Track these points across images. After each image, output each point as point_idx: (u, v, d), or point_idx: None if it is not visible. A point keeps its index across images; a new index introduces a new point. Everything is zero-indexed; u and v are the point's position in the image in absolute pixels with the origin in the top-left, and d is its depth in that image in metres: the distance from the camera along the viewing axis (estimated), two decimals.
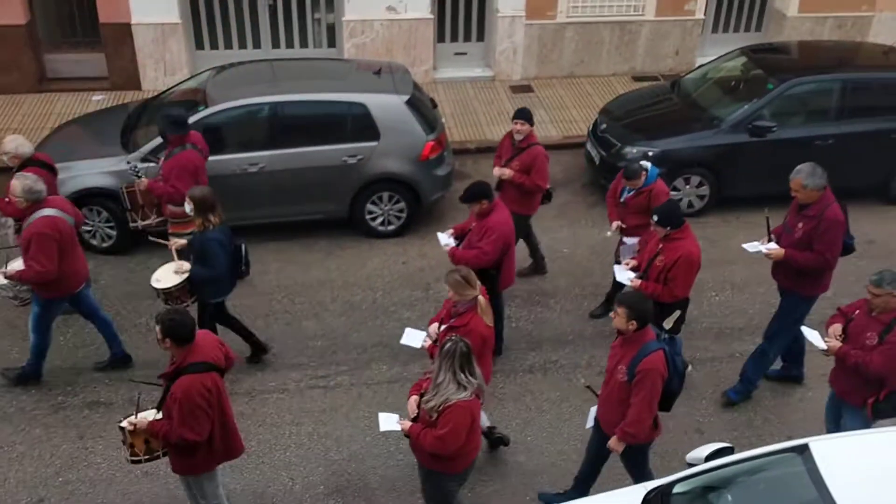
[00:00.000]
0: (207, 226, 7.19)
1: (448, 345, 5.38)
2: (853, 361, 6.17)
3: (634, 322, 5.65)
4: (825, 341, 6.40)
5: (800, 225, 7.14)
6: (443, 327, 6.31)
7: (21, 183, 7.19)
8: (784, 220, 7.47)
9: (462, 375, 5.35)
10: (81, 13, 13.04)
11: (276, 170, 9.43)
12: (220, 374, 5.77)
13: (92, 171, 9.28)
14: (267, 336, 8.37)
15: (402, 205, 9.89)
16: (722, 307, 9.14)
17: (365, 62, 11.33)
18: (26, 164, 7.99)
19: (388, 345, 8.41)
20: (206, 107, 9.48)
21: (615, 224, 8.24)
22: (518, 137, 8.44)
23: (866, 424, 6.30)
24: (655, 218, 7.02)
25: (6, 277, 7.30)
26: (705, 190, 10.54)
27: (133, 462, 5.96)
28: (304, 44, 13.63)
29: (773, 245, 7.35)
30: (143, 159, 9.20)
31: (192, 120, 9.26)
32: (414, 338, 6.61)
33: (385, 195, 9.89)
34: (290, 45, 13.58)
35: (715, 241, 10.04)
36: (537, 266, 9.50)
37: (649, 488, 5.60)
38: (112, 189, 9.15)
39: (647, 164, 8.14)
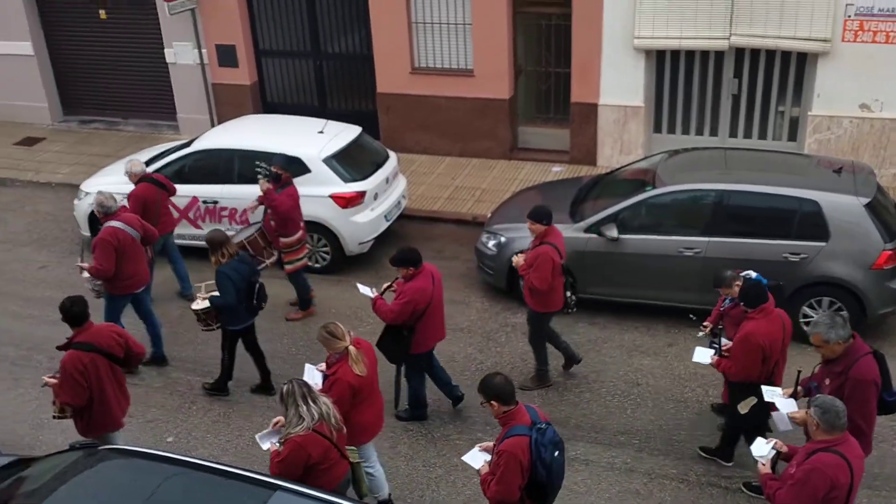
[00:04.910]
0: (221, 260, 8.40)
1: (283, 389, 6.04)
2: (766, 492, 5.64)
3: (484, 400, 5.71)
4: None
5: (827, 381, 6.25)
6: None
7: (96, 198, 9.11)
8: (812, 372, 6.53)
9: (304, 408, 5.93)
10: (557, 92, 14.36)
11: (713, 256, 9.33)
12: (112, 360, 6.99)
13: None
14: (653, 421, 8.30)
15: (845, 313, 9.09)
16: None
17: (826, 159, 10.77)
18: (142, 179, 10.18)
19: None
20: (654, 187, 9.80)
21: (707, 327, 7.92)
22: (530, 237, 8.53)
23: None
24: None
25: (82, 270, 8.96)
26: None
27: (53, 417, 7.22)
28: (762, 135, 13.38)
29: (792, 404, 6.39)
30: (588, 229, 9.78)
31: (638, 199, 9.71)
32: None
33: (825, 300, 9.26)
34: (747, 135, 13.42)
35: None
36: (568, 358, 9.14)
37: None
38: None
39: (751, 273, 7.64)
